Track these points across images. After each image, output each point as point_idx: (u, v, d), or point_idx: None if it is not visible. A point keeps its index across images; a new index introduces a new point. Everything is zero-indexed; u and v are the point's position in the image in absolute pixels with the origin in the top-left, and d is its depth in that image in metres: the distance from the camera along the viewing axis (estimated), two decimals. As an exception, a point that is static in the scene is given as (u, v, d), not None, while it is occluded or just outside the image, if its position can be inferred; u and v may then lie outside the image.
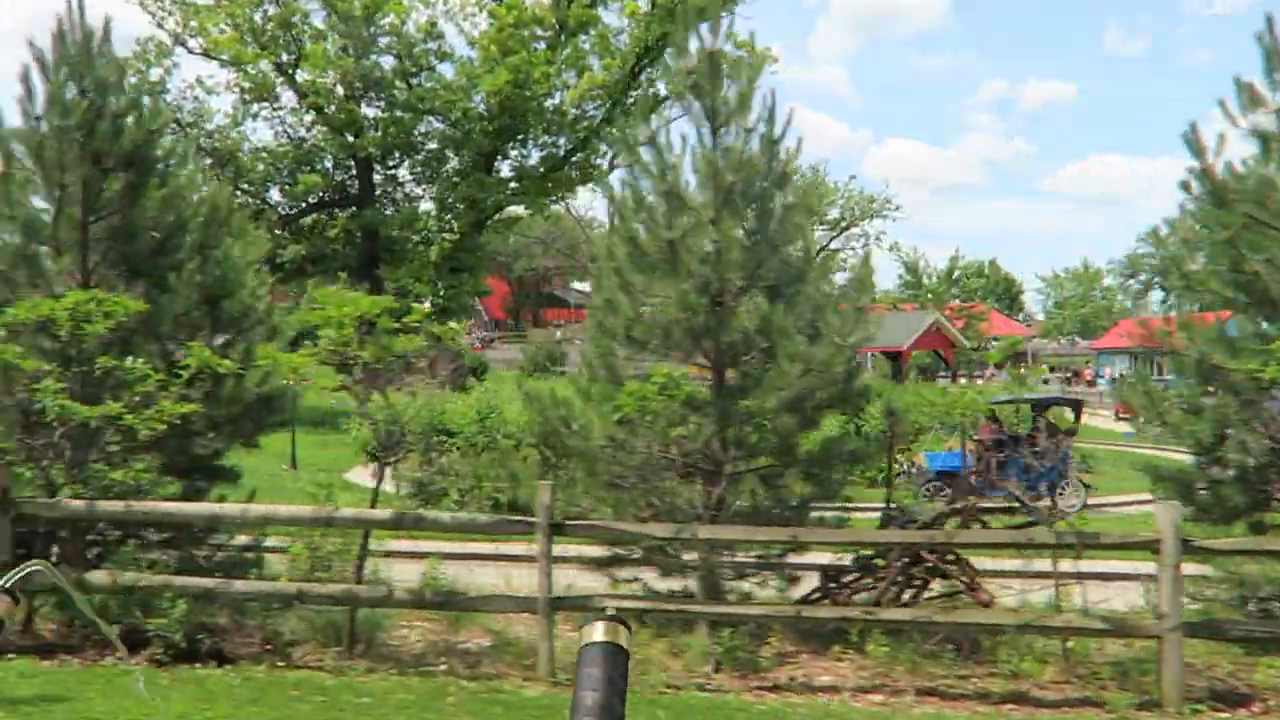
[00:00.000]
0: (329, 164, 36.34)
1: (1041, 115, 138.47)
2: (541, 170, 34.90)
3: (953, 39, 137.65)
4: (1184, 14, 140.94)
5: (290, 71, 34.56)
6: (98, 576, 6.72)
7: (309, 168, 34.80)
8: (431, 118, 34.86)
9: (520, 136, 34.17)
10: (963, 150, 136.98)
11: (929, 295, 62.05)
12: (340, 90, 34.31)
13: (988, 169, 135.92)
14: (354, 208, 35.88)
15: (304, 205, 35.56)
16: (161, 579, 6.68)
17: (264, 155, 34.73)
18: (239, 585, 7.00)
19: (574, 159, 35.12)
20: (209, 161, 35.14)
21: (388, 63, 34.14)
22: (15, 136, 8.38)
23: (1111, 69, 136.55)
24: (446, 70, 34.97)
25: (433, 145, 35.66)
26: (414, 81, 33.51)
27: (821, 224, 65.08)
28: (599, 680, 1.66)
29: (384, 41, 33.41)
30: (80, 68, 8.61)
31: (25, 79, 8.13)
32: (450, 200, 34.64)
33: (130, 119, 8.71)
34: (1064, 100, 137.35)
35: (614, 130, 35.36)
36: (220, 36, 32.47)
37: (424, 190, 36.55)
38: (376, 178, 36.20)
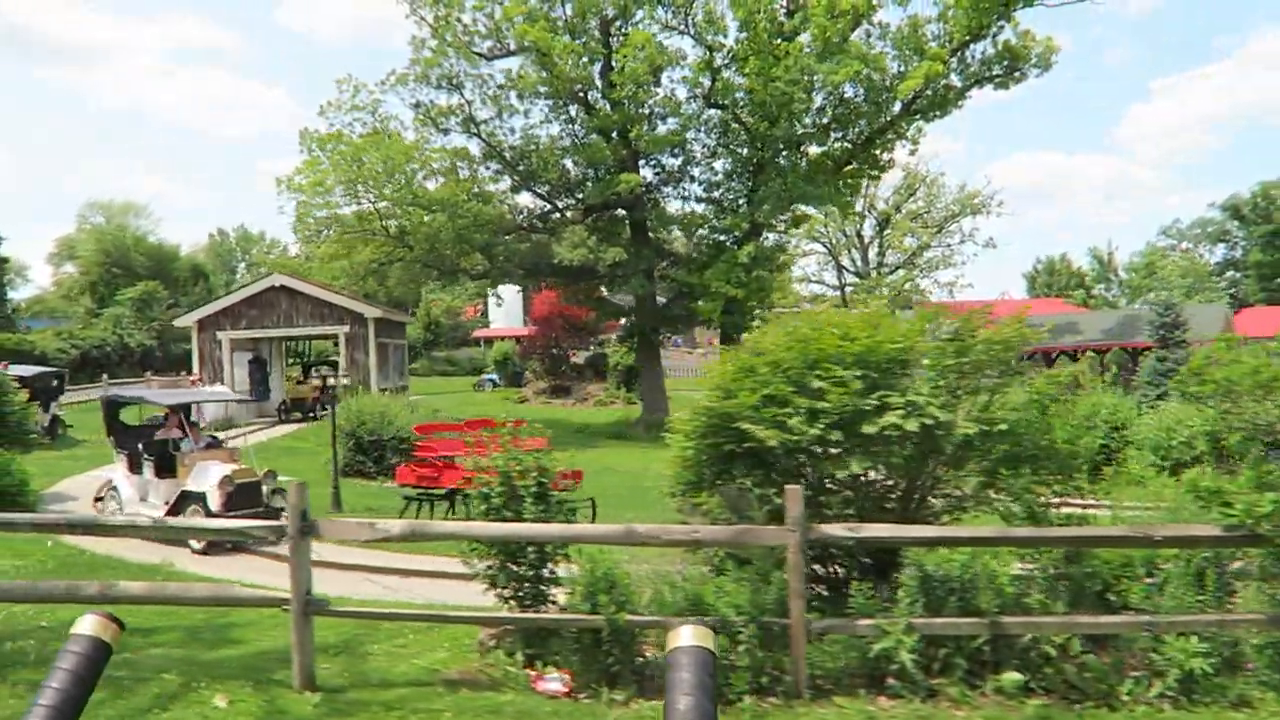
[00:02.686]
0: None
1: (971, 112, 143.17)
2: (833, 163, 33.73)
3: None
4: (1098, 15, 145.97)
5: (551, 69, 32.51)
6: None
7: (595, 169, 32.86)
8: (717, 110, 33.39)
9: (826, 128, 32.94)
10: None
11: (1128, 289, 62.79)
12: (598, 80, 32.56)
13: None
14: (625, 209, 34.11)
15: (586, 207, 33.50)
16: None
17: (554, 154, 32.61)
18: None
19: (867, 150, 34.03)
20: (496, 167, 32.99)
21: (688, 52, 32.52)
22: None
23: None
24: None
25: (706, 140, 34.23)
26: (722, 75, 31.88)
27: (920, 222, 65.43)
28: (691, 684, 1.67)
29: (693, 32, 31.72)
30: None
31: None
32: (738, 200, 33.21)
33: None
34: (992, 96, 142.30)
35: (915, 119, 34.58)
36: (523, 25, 30.28)
37: (706, 188, 34.86)
38: (646, 174, 34.36)
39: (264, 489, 13.06)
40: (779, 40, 31.29)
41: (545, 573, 7.10)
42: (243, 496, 12.43)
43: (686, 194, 35.89)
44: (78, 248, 79.93)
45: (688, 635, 1.79)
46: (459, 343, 63.02)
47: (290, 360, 37.39)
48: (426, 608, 7.76)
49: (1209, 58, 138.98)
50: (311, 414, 31.04)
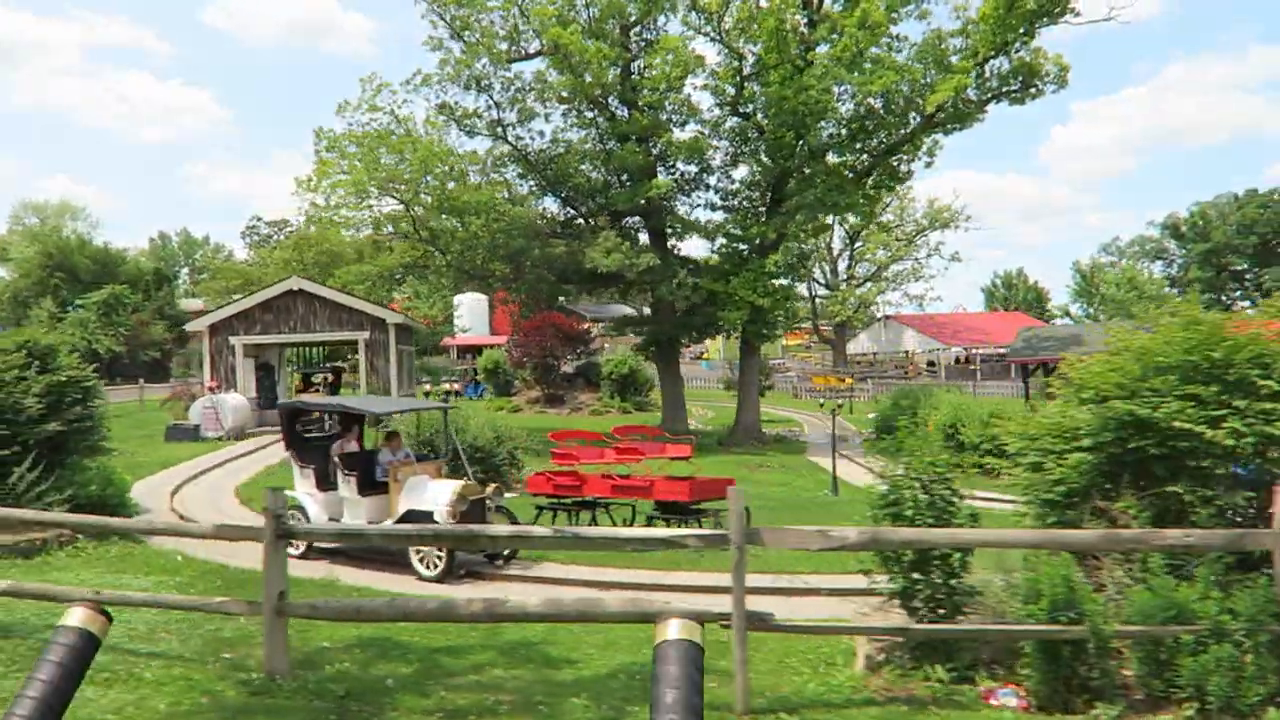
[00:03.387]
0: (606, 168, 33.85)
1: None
2: (853, 173, 33.88)
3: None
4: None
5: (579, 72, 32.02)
6: None
7: (618, 174, 32.43)
8: (739, 118, 33.31)
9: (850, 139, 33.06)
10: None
11: (1111, 304, 64.23)
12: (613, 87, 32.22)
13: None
14: (643, 216, 33.78)
15: (611, 213, 32.98)
16: None
17: (575, 159, 32.03)
18: None
19: (885, 161, 34.25)
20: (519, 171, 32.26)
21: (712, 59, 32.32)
22: None
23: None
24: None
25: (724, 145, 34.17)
26: (749, 85, 31.76)
27: (891, 234, 66.25)
28: (678, 678, 1.70)
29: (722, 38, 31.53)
30: None
31: None
32: (757, 208, 33.21)
33: None
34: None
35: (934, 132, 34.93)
36: (555, 29, 29.72)
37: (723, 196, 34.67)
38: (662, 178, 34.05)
39: (489, 506, 12.18)
40: (798, 50, 31.32)
41: (958, 582, 6.73)
42: (470, 514, 11.57)
43: (701, 202, 35.67)
44: (11, 250, 75.83)
45: (675, 629, 1.71)
46: (432, 350, 61.57)
47: (290, 368, 35.95)
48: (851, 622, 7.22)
49: (1129, 82, 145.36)
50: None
